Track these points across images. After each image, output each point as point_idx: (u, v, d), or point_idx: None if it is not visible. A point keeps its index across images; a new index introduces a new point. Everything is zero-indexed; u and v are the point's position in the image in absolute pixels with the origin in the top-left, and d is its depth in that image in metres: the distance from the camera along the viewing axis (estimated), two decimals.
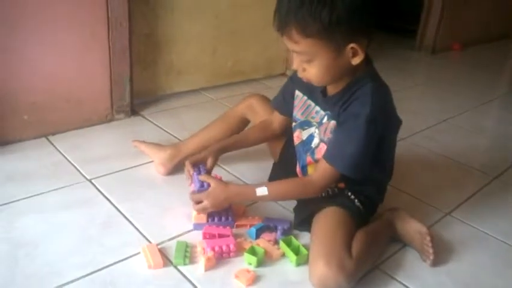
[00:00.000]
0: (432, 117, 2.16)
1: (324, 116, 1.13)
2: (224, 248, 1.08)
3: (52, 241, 1.11)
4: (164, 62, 2.03)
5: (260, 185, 1.13)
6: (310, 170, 1.19)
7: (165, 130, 1.77)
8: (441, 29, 3.43)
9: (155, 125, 1.81)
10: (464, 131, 2.06)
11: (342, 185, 1.17)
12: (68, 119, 1.66)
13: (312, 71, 1.03)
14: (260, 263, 1.08)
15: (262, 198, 1.13)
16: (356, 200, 1.15)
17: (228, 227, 1.15)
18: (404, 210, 1.24)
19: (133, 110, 1.88)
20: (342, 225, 1.08)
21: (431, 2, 3.40)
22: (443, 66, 3.27)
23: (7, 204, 1.23)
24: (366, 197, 1.17)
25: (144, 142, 1.47)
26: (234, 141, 1.34)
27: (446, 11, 3.39)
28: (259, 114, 1.38)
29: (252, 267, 1.06)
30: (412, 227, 1.17)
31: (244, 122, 1.43)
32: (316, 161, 1.15)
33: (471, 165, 1.72)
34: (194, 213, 1.18)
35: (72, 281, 0.99)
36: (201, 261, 1.05)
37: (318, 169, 1.10)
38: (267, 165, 1.42)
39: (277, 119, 1.33)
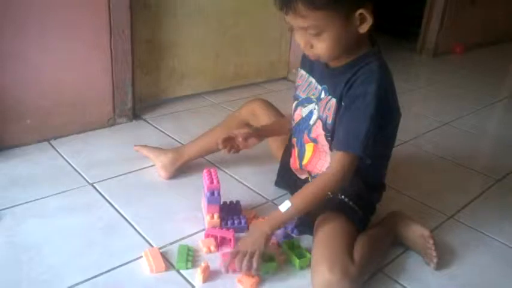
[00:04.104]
0: (434, 120, 2.16)
1: (321, 90, 1.12)
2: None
3: (55, 245, 1.11)
4: (166, 67, 2.04)
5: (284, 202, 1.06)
6: (308, 148, 1.18)
7: (167, 134, 1.77)
8: (443, 32, 3.44)
9: (157, 129, 1.82)
10: (466, 134, 2.05)
11: None
12: (71, 124, 1.67)
13: (322, 46, 1.00)
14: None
15: (290, 213, 1.05)
16: (351, 203, 1.14)
17: (230, 230, 1.15)
18: (407, 214, 1.24)
19: (136, 114, 1.88)
20: (342, 231, 1.07)
21: (432, 5, 3.40)
22: (445, 69, 3.27)
23: (10, 208, 1.23)
24: (359, 197, 1.16)
25: (145, 146, 1.48)
26: (272, 128, 1.32)
27: (448, 14, 3.40)
28: (261, 119, 1.38)
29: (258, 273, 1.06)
30: (415, 231, 1.17)
31: (246, 126, 1.43)
32: (313, 140, 1.15)
33: (474, 168, 1.71)
34: (207, 217, 1.18)
35: (75, 285, 0.99)
36: (198, 273, 1.03)
37: (332, 162, 1.06)
38: (270, 169, 1.42)
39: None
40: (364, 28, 0.98)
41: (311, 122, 1.15)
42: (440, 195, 1.48)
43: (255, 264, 1.00)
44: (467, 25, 3.62)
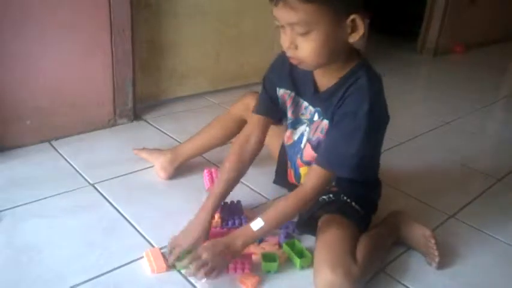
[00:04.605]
0: (435, 120, 2.15)
1: (314, 112, 1.09)
2: (239, 264, 1.05)
3: (55, 246, 1.11)
4: (167, 67, 2.04)
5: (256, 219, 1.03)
6: (303, 172, 1.17)
7: (168, 134, 1.77)
8: (443, 31, 3.43)
9: (158, 129, 1.82)
10: (467, 133, 2.05)
11: (334, 188, 1.16)
12: (71, 124, 1.67)
13: (307, 47, 0.93)
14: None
15: (263, 230, 1.02)
16: (353, 203, 1.14)
17: (231, 230, 1.15)
18: (408, 213, 1.24)
19: (136, 115, 1.88)
20: (344, 231, 1.07)
21: (433, 5, 3.40)
22: (445, 69, 3.27)
23: (11, 209, 1.23)
24: (360, 197, 1.16)
25: (144, 149, 1.48)
26: (222, 193, 1.16)
27: (448, 14, 3.40)
28: None
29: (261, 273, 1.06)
30: (416, 230, 1.17)
31: (241, 122, 1.39)
32: (307, 163, 1.13)
33: (475, 167, 1.71)
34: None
35: (75, 286, 0.99)
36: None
37: (311, 176, 1.03)
38: (271, 169, 1.42)
39: (255, 134, 1.18)
40: (354, 37, 0.94)
41: (302, 146, 1.14)
42: (441, 195, 1.48)
43: (210, 279, 0.97)
44: (468, 25, 3.62)
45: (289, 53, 0.97)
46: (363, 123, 0.96)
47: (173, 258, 1.04)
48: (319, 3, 0.88)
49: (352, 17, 0.91)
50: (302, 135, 1.13)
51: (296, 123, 1.15)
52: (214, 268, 0.97)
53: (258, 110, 1.18)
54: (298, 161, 1.17)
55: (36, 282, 0.99)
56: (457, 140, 1.96)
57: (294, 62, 0.99)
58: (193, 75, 2.15)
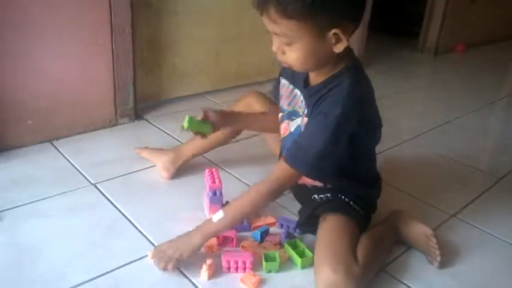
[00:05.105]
0: (436, 119, 2.15)
1: (306, 107, 1.10)
2: (240, 263, 1.05)
3: (56, 245, 1.11)
4: (168, 66, 2.04)
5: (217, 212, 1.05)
6: None
7: (168, 134, 1.77)
8: (443, 30, 3.43)
9: (159, 129, 1.82)
10: (468, 132, 2.05)
11: (330, 186, 1.16)
12: (72, 124, 1.67)
13: (292, 56, 0.97)
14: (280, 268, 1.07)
15: (224, 222, 1.03)
16: (352, 203, 1.13)
17: (233, 230, 1.15)
18: (409, 213, 1.24)
19: (137, 114, 1.88)
20: (345, 231, 1.06)
21: (433, 4, 3.40)
22: (446, 68, 3.27)
23: (12, 209, 1.23)
24: (358, 196, 1.15)
25: (145, 148, 1.48)
26: (241, 116, 1.29)
27: (448, 13, 3.40)
28: (257, 111, 1.36)
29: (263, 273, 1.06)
30: (417, 230, 1.17)
31: None
32: None
33: (476, 166, 1.71)
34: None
35: (76, 286, 0.99)
36: (203, 270, 1.03)
37: (277, 169, 1.04)
38: (270, 169, 1.42)
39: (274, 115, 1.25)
40: (338, 48, 0.95)
41: None
42: (442, 194, 1.48)
43: (168, 269, 1.02)
44: (468, 24, 3.62)
45: (278, 57, 1.01)
46: (330, 125, 0.97)
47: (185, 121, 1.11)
48: (298, 19, 0.90)
49: (333, 30, 0.92)
50: (299, 126, 1.13)
51: (293, 114, 1.16)
52: (171, 259, 1.01)
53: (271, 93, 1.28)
54: None
55: (36, 282, 0.99)
56: (457, 139, 1.96)
57: (285, 65, 1.03)
58: (194, 74, 2.15)
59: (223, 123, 1.22)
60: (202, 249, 1.09)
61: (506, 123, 2.30)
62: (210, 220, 1.04)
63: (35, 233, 1.15)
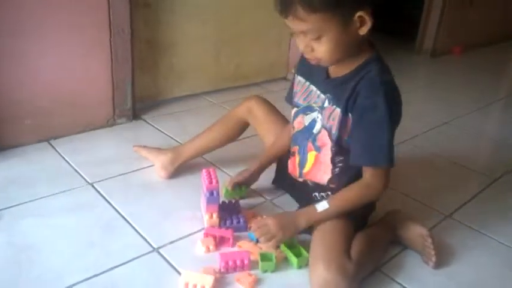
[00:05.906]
0: (432, 120, 2.16)
1: (325, 99, 1.11)
2: (238, 262, 1.06)
3: (54, 245, 1.11)
4: (166, 66, 2.04)
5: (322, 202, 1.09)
6: (310, 157, 1.18)
7: (166, 134, 1.77)
8: (441, 32, 3.44)
9: (157, 129, 1.82)
10: (465, 133, 2.06)
11: (332, 185, 1.17)
12: (70, 124, 1.67)
13: (322, 49, 1.00)
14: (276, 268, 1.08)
15: (326, 213, 1.08)
16: None
17: (229, 229, 1.16)
18: (405, 213, 1.24)
19: (135, 114, 1.88)
20: (340, 230, 1.07)
21: (431, 6, 3.41)
22: (443, 70, 3.28)
23: (9, 208, 1.23)
24: None
25: (144, 147, 1.48)
26: (269, 157, 1.36)
27: (446, 15, 3.40)
28: (258, 117, 1.37)
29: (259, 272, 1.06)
30: (413, 230, 1.17)
31: (243, 124, 1.42)
32: (317, 149, 1.14)
33: (472, 167, 1.72)
34: (206, 217, 1.18)
35: (73, 285, 0.99)
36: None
37: (367, 176, 1.07)
38: (269, 169, 1.42)
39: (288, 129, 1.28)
40: (363, 30, 0.98)
41: (314, 131, 1.14)
42: (438, 194, 1.49)
43: (270, 245, 1.09)
44: (466, 26, 3.63)
45: (306, 55, 1.04)
46: (385, 114, 1.00)
47: (229, 183, 1.31)
48: (324, 10, 0.94)
49: (358, 14, 0.96)
50: (314, 121, 1.14)
51: (307, 109, 1.17)
52: (274, 237, 1.07)
53: (287, 99, 1.29)
54: (309, 145, 1.17)
55: (34, 281, 0.99)
56: (454, 140, 1.97)
57: (313, 62, 1.05)
58: (192, 74, 2.16)
59: (257, 176, 1.37)
60: (202, 249, 1.11)
61: (502, 125, 2.31)
62: (313, 208, 1.09)
63: (32, 232, 1.15)
